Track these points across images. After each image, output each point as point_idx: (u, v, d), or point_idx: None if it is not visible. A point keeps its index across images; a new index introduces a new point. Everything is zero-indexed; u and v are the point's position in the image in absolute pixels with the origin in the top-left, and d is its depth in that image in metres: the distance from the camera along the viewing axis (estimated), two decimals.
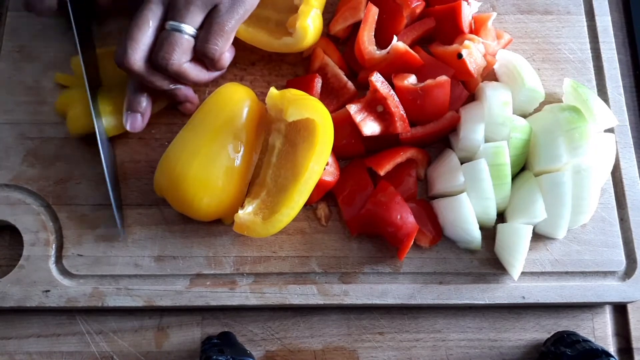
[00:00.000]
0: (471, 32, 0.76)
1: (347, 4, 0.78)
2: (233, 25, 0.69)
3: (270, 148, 0.71)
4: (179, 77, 0.69)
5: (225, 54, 0.71)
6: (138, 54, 0.66)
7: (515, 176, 0.72)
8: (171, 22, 0.67)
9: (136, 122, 0.71)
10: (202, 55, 0.69)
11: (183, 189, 0.66)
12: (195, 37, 0.68)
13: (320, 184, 0.69)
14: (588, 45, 0.81)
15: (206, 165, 0.66)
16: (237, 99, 0.69)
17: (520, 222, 0.70)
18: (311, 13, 0.73)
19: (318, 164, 0.66)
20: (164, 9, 0.68)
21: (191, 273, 0.70)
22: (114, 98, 0.74)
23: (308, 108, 0.66)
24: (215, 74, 0.74)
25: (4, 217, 0.71)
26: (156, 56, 0.66)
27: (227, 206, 0.69)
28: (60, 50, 0.79)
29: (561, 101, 0.77)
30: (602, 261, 0.71)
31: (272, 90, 0.68)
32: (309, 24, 0.72)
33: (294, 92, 0.68)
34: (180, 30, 0.67)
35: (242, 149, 0.68)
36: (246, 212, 0.67)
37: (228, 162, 0.67)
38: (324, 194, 0.72)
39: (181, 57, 0.67)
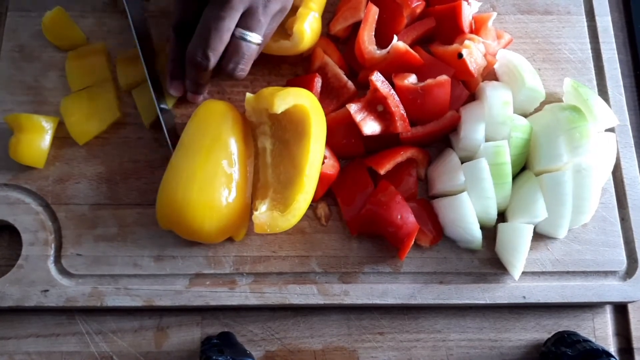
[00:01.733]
0: (471, 32, 0.76)
1: (347, 4, 0.78)
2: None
3: (261, 151, 0.70)
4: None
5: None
6: (215, 61, 0.68)
7: (515, 176, 0.72)
8: (242, 31, 0.68)
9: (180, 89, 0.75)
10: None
11: (189, 218, 0.65)
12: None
13: (322, 178, 0.69)
14: (588, 45, 0.81)
15: (206, 187, 0.66)
16: (219, 114, 0.69)
17: (521, 221, 0.70)
18: (309, 16, 0.73)
19: (318, 143, 0.67)
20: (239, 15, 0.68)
21: (191, 273, 0.70)
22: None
23: (293, 95, 0.66)
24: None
25: (3, 216, 0.71)
26: (228, 63, 0.69)
27: (235, 222, 0.68)
28: (60, 50, 0.79)
29: (562, 101, 0.77)
30: (603, 261, 0.71)
31: (248, 95, 0.69)
32: (306, 28, 0.72)
33: (271, 88, 0.69)
34: (250, 41, 0.69)
35: (236, 161, 0.68)
36: (262, 212, 0.66)
37: (226, 178, 0.67)
38: (326, 189, 0.72)
39: (249, 66, 0.71)
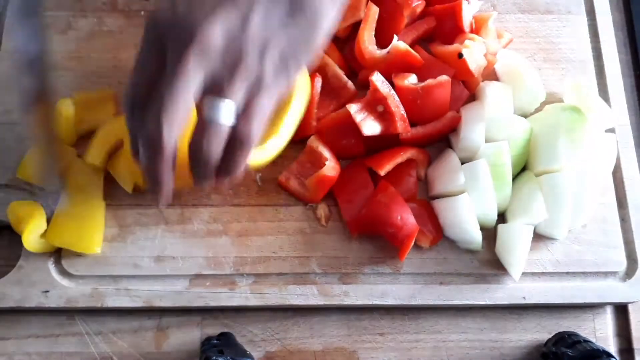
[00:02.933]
0: (472, 31, 0.76)
1: (347, 4, 0.77)
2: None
3: None
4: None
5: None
6: (174, 134, 0.53)
7: (515, 176, 0.72)
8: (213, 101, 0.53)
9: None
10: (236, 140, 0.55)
11: None
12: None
13: (322, 180, 0.69)
14: (589, 45, 0.81)
15: None
16: None
17: (520, 222, 0.70)
18: None
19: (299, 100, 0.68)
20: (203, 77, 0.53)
21: (191, 273, 0.70)
22: None
23: None
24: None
25: (3, 217, 0.71)
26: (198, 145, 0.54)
27: None
28: (59, 50, 0.79)
29: (562, 101, 0.77)
30: (603, 261, 0.71)
31: None
32: None
33: None
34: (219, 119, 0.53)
35: None
36: None
37: None
38: (326, 192, 0.72)
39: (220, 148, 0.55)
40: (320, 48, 0.57)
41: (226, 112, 0.53)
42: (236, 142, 0.55)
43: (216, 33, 0.51)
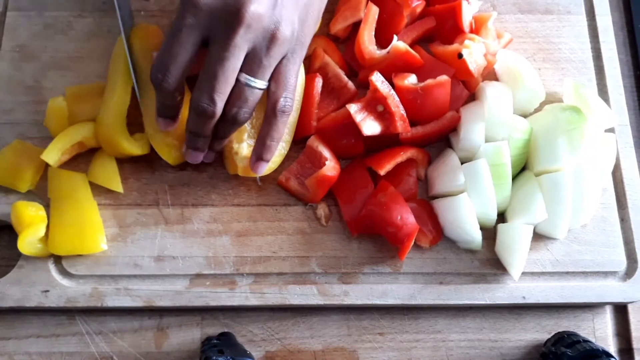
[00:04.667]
0: (471, 31, 0.76)
1: (347, 4, 0.77)
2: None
3: None
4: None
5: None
6: (222, 105, 0.64)
7: (515, 176, 0.72)
8: (247, 77, 0.64)
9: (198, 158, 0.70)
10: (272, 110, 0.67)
11: None
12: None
13: (323, 179, 0.69)
14: (589, 45, 0.81)
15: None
16: None
17: (520, 222, 0.70)
18: None
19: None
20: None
21: (191, 273, 0.70)
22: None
23: None
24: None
25: (3, 217, 0.71)
26: (232, 107, 0.65)
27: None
28: (60, 51, 0.79)
29: (562, 101, 0.77)
30: (603, 261, 0.71)
31: None
32: None
33: None
34: (254, 87, 0.64)
35: None
36: (243, 156, 0.70)
37: None
38: (326, 192, 0.72)
39: (253, 109, 0.66)
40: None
41: (262, 79, 0.64)
42: (269, 106, 0.66)
43: (258, 12, 0.61)
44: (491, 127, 0.71)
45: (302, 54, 0.68)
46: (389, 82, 0.71)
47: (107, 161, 0.72)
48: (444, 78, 0.70)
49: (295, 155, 0.74)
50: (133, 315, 0.71)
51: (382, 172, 0.70)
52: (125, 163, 0.74)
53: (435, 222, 0.71)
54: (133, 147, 0.71)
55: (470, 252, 0.71)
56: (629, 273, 0.71)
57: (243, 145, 0.70)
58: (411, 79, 0.72)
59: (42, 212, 0.70)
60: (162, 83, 0.64)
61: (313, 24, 0.69)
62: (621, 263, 0.71)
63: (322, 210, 0.72)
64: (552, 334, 0.69)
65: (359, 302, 0.69)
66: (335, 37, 0.79)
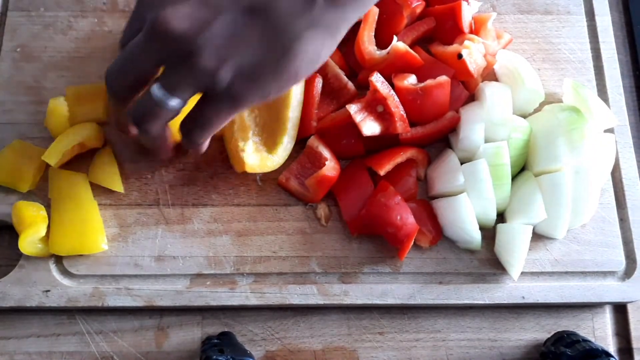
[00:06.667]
0: (471, 32, 0.76)
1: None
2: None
3: None
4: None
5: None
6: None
7: (515, 176, 0.72)
8: (158, 90, 0.55)
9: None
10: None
11: None
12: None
13: (323, 179, 0.70)
14: (588, 45, 0.81)
15: None
16: None
17: (520, 222, 0.70)
18: None
19: (298, 85, 0.71)
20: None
21: (191, 273, 0.70)
22: None
23: None
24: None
25: (3, 217, 0.71)
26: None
27: None
28: (60, 50, 0.79)
29: (561, 101, 0.77)
30: (602, 261, 0.71)
31: None
32: None
33: None
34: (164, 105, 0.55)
35: None
36: (249, 154, 0.69)
37: None
38: (326, 192, 0.72)
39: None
40: (296, 82, 0.57)
41: (172, 102, 0.55)
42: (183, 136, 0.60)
43: (175, 20, 0.51)
44: (491, 128, 0.71)
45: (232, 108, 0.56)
46: (388, 82, 0.72)
47: (107, 161, 0.73)
48: (443, 78, 0.70)
49: (295, 155, 0.74)
50: (133, 314, 0.71)
51: (382, 172, 0.70)
52: (127, 164, 0.74)
53: (435, 222, 0.71)
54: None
55: (470, 252, 0.71)
56: (628, 273, 0.71)
57: (249, 142, 0.70)
58: (411, 80, 0.72)
59: (42, 212, 0.71)
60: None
61: (256, 90, 0.55)
62: (620, 263, 0.71)
63: (322, 210, 0.73)
64: (552, 333, 0.70)
65: (359, 301, 0.69)
66: None
